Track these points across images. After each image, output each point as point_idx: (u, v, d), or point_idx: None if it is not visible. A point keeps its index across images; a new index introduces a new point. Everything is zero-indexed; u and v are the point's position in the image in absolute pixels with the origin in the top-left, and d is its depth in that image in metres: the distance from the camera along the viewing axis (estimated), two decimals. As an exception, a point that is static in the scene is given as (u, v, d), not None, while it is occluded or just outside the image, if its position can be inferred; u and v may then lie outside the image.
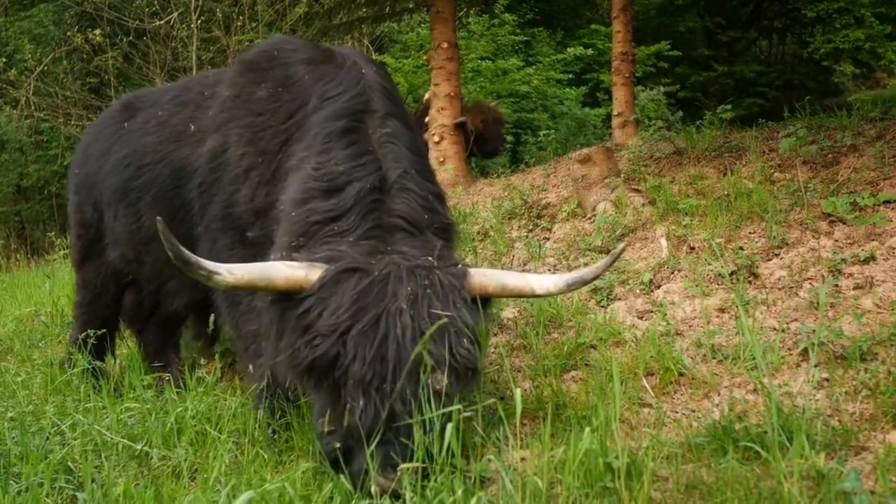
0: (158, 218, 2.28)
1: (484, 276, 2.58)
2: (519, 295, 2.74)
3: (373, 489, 2.21)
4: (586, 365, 3.31)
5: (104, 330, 4.08)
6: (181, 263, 2.32)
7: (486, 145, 9.31)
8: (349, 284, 2.37)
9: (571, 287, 2.69)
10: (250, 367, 3.22)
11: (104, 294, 4.25)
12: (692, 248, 4.28)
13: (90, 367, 3.68)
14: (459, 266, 2.57)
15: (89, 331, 3.90)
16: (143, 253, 3.89)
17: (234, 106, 3.35)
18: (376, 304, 2.32)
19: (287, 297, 2.47)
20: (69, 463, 2.71)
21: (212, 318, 3.43)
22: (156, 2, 12.86)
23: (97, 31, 12.68)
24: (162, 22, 13.08)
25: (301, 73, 3.24)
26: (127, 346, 4.78)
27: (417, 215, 2.70)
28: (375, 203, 2.67)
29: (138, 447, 2.82)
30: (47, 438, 2.87)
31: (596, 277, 2.72)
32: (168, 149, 3.66)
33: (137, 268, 4.03)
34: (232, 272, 2.39)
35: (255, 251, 3.13)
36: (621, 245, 2.83)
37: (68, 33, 13.91)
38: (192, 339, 4.48)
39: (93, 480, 2.47)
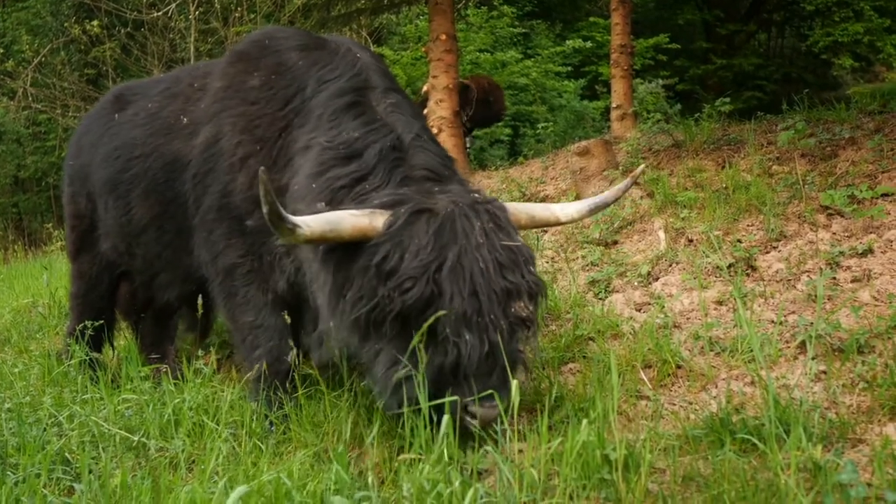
0: (262, 168, 2.28)
1: (515, 209, 2.70)
2: (546, 224, 2.89)
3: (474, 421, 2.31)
4: (584, 357, 3.31)
5: (101, 321, 4.08)
6: (274, 218, 2.32)
7: (489, 108, 9.25)
8: (421, 225, 2.41)
9: (594, 211, 2.85)
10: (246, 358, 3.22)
11: (99, 285, 4.24)
12: (690, 241, 4.28)
13: (87, 358, 3.68)
14: (498, 200, 2.65)
15: (86, 322, 3.90)
16: (133, 245, 3.87)
17: (227, 96, 3.34)
18: (454, 241, 2.38)
19: (344, 248, 2.48)
20: (66, 454, 2.72)
21: (199, 300, 3.40)
22: (153, -7, 12.84)
23: (95, 23, 12.65)
24: (160, 13, 13.01)
25: (294, 59, 3.24)
26: (124, 337, 4.77)
27: (440, 169, 2.76)
28: (397, 160, 2.72)
29: (135, 438, 2.82)
30: (44, 429, 2.88)
31: (616, 199, 2.88)
32: (159, 141, 3.64)
33: (129, 259, 4.01)
34: (308, 224, 2.40)
35: (254, 239, 3.12)
36: (640, 167, 2.95)
37: (66, 24, 13.87)
38: (185, 331, 4.48)
39: (90, 471, 2.47)
